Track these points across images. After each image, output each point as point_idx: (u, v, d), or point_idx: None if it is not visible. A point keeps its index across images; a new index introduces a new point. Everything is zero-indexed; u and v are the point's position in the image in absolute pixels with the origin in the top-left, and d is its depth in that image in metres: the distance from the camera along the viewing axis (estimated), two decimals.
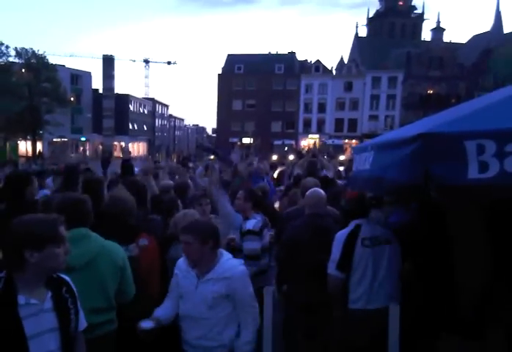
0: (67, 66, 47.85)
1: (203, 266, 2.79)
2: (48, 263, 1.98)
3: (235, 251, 4.41)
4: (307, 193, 4.21)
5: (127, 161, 7.09)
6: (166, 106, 78.87)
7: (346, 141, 50.24)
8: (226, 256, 2.89)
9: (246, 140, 50.28)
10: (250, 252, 4.42)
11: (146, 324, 2.78)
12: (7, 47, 33.68)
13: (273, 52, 59.88)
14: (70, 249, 2.06)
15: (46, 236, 1.96)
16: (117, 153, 45.48)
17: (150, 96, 71.74)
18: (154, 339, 2.79)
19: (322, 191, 4.20)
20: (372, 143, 3.00)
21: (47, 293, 2.03)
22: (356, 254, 3.42)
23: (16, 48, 34.32)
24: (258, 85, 55.86)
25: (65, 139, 44.61)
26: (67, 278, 2.17)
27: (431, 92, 49.50)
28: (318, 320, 3.77)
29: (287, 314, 4.15)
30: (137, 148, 63.08)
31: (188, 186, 5.35)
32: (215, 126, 64.16)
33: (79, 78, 50.71)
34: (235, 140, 48.13)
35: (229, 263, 2.84)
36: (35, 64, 34.55)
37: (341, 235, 3.50)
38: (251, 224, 4.52)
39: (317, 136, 53.70)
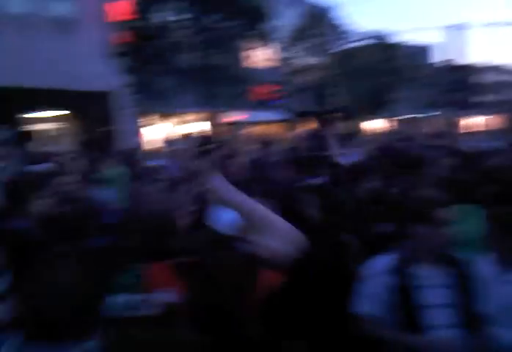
0: (407, 41, 47.80)
1: None
2: (429, 240, 2.08)
3: None
4: None
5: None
6: None
7: None
8: None
9: None
10: None
11: None
12: (356, 31, 35.81)
13: None
14: (454, 228, 2.12)
15: (425, 213, 2.07)
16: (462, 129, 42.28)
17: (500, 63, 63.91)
18: None
19: None
20: None
21: (440, 269, 2.11)
22: None
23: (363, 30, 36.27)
24: None
25: (412, 116, 45.01)
26: (463, 256, 2.20)
27: None
28: None
29: None
30: (490, 122, 57.48)
31: None
32: None
33: (421, 52, 50.16)
34: None
35: None
36: (380, 44, 35.75)
37: None
38: None
39: None
